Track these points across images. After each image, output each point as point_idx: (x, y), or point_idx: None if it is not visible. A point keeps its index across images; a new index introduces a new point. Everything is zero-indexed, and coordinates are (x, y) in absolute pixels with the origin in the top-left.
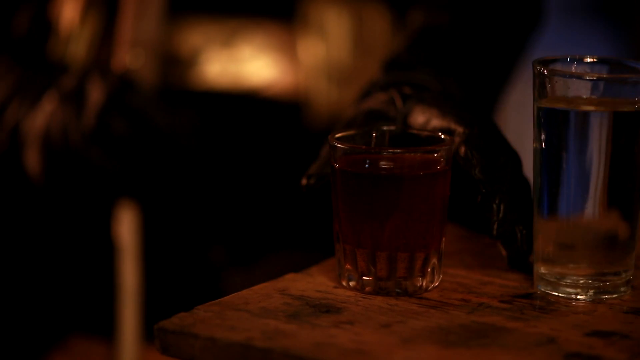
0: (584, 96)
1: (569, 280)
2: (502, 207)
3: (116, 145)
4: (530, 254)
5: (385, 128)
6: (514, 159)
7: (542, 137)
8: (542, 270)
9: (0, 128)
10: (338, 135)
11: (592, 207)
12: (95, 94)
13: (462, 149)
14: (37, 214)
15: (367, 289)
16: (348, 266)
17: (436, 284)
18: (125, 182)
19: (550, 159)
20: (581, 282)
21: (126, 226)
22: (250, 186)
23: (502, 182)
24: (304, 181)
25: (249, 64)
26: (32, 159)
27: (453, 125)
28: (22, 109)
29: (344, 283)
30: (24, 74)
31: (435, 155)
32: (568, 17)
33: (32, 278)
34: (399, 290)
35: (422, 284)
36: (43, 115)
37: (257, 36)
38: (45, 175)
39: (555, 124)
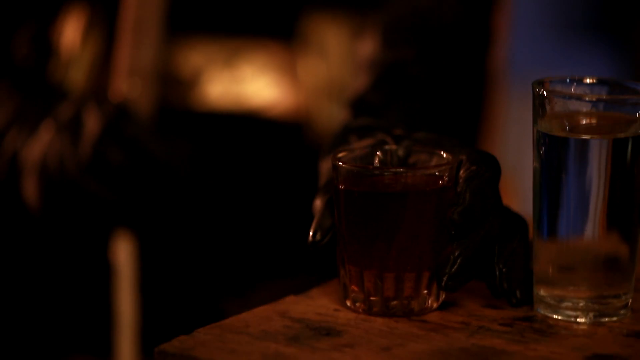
0: (583, 120)
1: (568, 303)
2: (457, 262)
3: (112, 175)
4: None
5: (387, 147)
6: (498, 218)
7: (542, 158)
8: (542, 292)
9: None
10: (340, 155)
11: (591, 229)
12: (92, 123)
13: (460, 185)
14: (35, 240)
15: (374, 309)
16: (354, 287)
17: (440, 302)
18: (121, 212)
19: (550, 181)
20: (581, 304)
21: (123, 251)
22: (251, 208)
23: (472, 238)
24: (310, 239)
25: (250, 84)
26: (30, 188)
27: (463, 160)
28: (21, 138)
29: (349, 304)
30: (23, 101)
31: (437, 173)
32: (568, 34)
33: (32, 300)
34: (405, 310)
35: (428, 303)
36: (40, 144)
37: (258, 56)
38: (42, 204)
39: (554, 147)
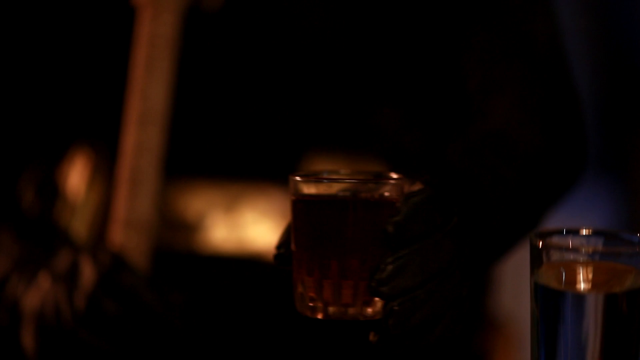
0: (580, 272)
1: None
2: (387, 269)
3: (107, 325)
4: (399, 341)
5: (342, 171)
6: (449, 239)
7: (539, 308)
8: None
9: (0, 304)
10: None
11: None
12: (87, 274)
13: (399, 201)
14: None
15: (316, 314)
16: (300, 292)
17: (378, 311)
18: None
19: (546, 331)
20: None
21: None
22: (250, 355)
23: (410, 251)
24: (275, 251)
25: (251, 229)
26: (27, 337)
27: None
28: (21, 285)
29: (298, 309)
30: (26, 247)
31: (379, 187)
32: None
33: None
34: (343, 316)
35: (365, 311)
36: (38, 293)
37: (260, 201)
38: (39, 353)
39: (551, 299)
